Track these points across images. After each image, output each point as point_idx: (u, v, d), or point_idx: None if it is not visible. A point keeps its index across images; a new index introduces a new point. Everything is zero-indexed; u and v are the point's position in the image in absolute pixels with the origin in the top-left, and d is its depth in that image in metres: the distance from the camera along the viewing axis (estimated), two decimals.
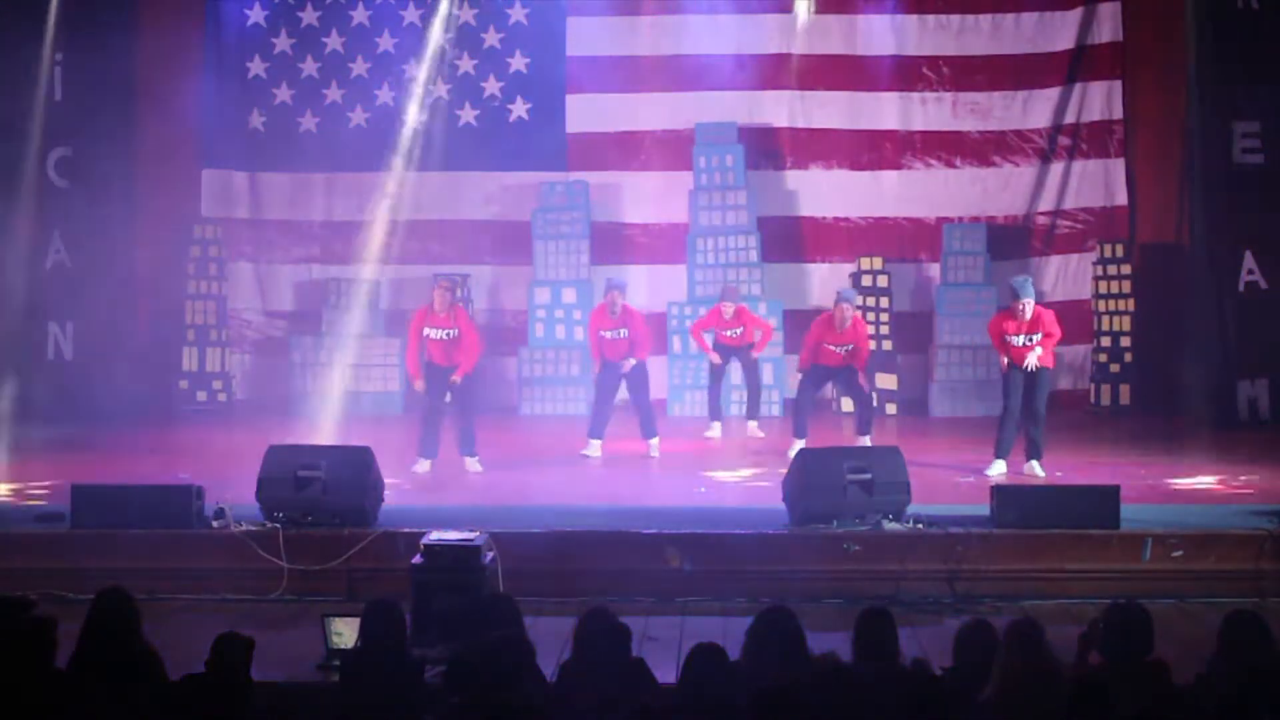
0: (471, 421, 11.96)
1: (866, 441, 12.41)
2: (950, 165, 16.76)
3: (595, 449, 12.60)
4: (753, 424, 13.93)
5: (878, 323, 15.93)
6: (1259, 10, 14.62)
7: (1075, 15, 16.53)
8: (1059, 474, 11.10)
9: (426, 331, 11.90)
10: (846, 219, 16.83)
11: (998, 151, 16.73)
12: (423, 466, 11.76)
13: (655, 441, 12.77)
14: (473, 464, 11.95)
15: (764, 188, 16.60)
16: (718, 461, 12.47)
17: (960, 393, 15.85)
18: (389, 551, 8.63)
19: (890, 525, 9.03)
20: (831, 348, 12.51)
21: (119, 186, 15.19)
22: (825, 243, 16.76)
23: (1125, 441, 13.36)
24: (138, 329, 15.50)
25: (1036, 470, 11.36)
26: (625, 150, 16.86)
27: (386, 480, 9.57)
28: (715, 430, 14.01)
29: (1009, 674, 5.14)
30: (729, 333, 13.77)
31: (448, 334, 11.85)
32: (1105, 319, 16.13)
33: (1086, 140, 16.58)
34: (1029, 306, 11.31)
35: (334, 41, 16.82)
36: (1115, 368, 16.06)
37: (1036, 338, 11.34)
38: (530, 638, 5.69)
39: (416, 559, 7.83)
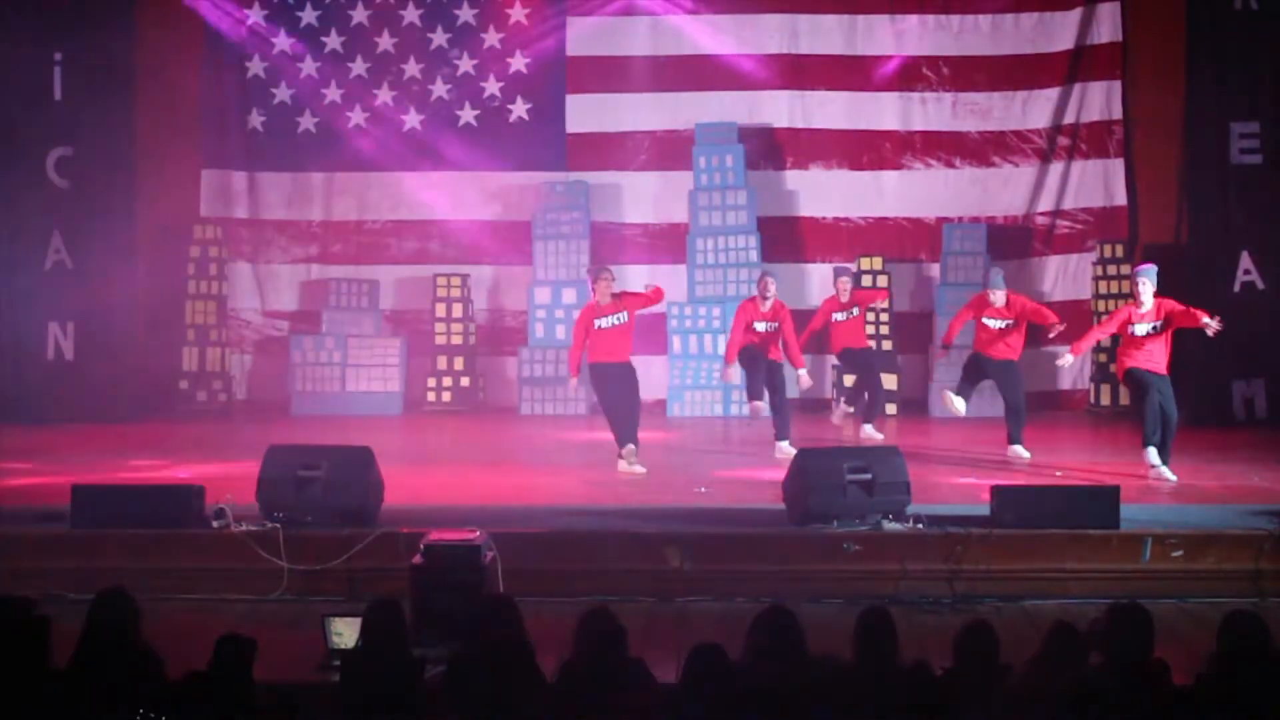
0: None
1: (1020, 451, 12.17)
2: (950, 165, 16.78)
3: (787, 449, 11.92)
4: (868, 427, 13.52)
5: (878, 323, 15.95)
6: (1258, 10, 14.64)
7: (1075, 15, 16.55)
8: (1059, 474, 11.09)
9: (598, 323, 11.53)
10: (846, 219, 16.85)
11: (998, 151, 16.75)
12: (632, 455, 11.61)
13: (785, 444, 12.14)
14: (785, 448, 11.86)
15: (764, 188, 16.62)
16: None
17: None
18: (389, 551, 8.61)
19: (890, 525, 9.02)
20: (989, 323, 12.13)
21: (119, 186, 15.19)
22: (825, 243, 16.78)
23: (1125, 441, 13.35)
24: (138, 329, 15.50)
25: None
26: (625, 150, 16.88)
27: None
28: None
29: (1047, 675, 5.14)
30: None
31: (617, 319, 11.57)
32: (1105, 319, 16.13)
33: (1086, 140, 16.60)
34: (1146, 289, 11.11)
35: (333, 41, 16.83)
36: (1115, 368, 16.05)
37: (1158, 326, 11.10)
38: (530, 638, 5.69)
39: (416, 559, 7.82)
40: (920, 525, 9.00)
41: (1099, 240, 16.36)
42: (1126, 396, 15.97)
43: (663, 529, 9.05)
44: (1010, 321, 12.09)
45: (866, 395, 13.83)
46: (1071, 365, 12.57)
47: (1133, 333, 11.11)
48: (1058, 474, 11.02)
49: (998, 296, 12.04)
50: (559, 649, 5.59)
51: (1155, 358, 11.14)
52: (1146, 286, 11.07)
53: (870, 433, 13.49)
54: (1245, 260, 14.82)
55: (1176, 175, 15.88)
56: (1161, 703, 5.14)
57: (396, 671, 5.52)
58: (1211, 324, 10.84)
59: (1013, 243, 16.63)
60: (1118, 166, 16.55)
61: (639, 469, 11.45)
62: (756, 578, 8.67)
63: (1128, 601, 5.71)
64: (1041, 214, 16.73)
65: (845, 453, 10.02)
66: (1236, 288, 14.83)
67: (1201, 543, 8.88)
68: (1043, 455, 11.83)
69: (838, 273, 14.02)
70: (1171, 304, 11.10)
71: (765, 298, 12.26)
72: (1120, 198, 16.52)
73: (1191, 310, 10.99)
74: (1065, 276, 16.61)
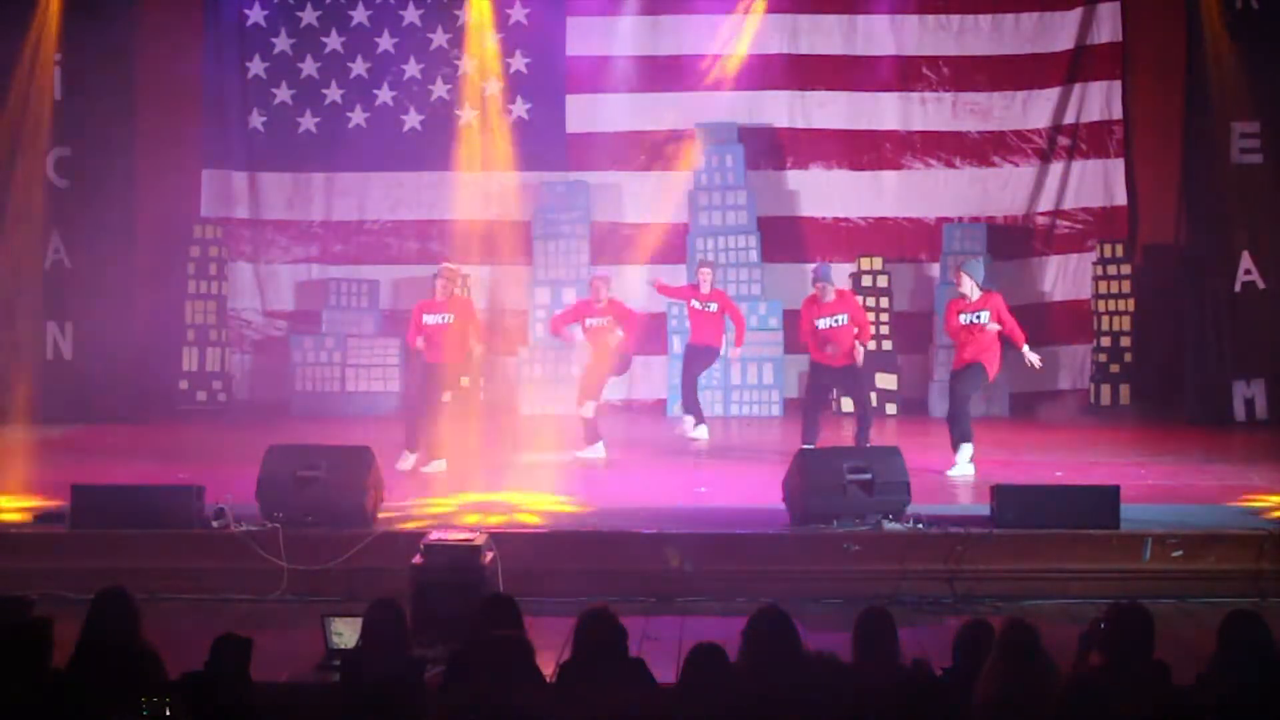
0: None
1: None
2: (950, 165, 16.78)
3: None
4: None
5: (878, 323, 15.93)
6: (1259, 10, 14.63)
7: (1075, 15, 16.55)
8: (1059, 474, 11.09)
9: (426, 317, 11.78)
10: (846, 219, 16.85)
11: (998, 151, 16.75)
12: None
13: None
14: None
15: (764, 188, 16.62)
16: None
17: None
18: (389, 551, 8.61)
19: (890, 525, 9.02)
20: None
21: (119, 186, 15.16)
22: (825, 243, 16.78)
23: (1125, 441, 13.36)
24: (138, 329, 15.48)
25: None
26: (625, 150, 16.87)
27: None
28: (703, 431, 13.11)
29: (999, 677, 5.12)
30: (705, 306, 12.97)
31: (443, 318, 11.77)
32: (1105, 319, 16.16)
33: (1086, 140, 16.60)
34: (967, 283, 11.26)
35: (334, 41, 16.84)
36: (1115, 368, 16.07)
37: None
38: (530, 638, 5.69)
39: (416, 559, 7.82)
40: (920, 525, 9.00)
41: (1099, 240, 16.36)
42: (1127, 396, 15.99)
43: (663, 529, 9.05)
44: (844, 316, 11.84)
45: (683, 393, 13.27)
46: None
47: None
48: (1058, 474, 11.02)
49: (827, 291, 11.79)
50: (559, 649, 5.59)
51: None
52: (966, 280, 11.23)
53: (694, 429, 13.10)
54: (1245, 260, 14.82)
55: (1176, 175, 15.87)
56: (1161, 703, 5.13)
57: (396, 671, 5.52)
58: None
59: (1013, 243, 16.62)
60: (1118, 166, 16.55)
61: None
62: (756, 578, 8.67)
63: (1128, 601, 5.70)
64: (1041, 214, 16.73)
65: (845, 453, 10.03)
66: (1236, 288, 14.82)
67: (1201, 543, 8.89)
68: (1043, 455, 11.82)
69: (701, 262, 13.77)
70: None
71: (599, 300, 12.38)
72: (1120, 198, 16.52)
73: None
74: (1065, 277, 16.61)
